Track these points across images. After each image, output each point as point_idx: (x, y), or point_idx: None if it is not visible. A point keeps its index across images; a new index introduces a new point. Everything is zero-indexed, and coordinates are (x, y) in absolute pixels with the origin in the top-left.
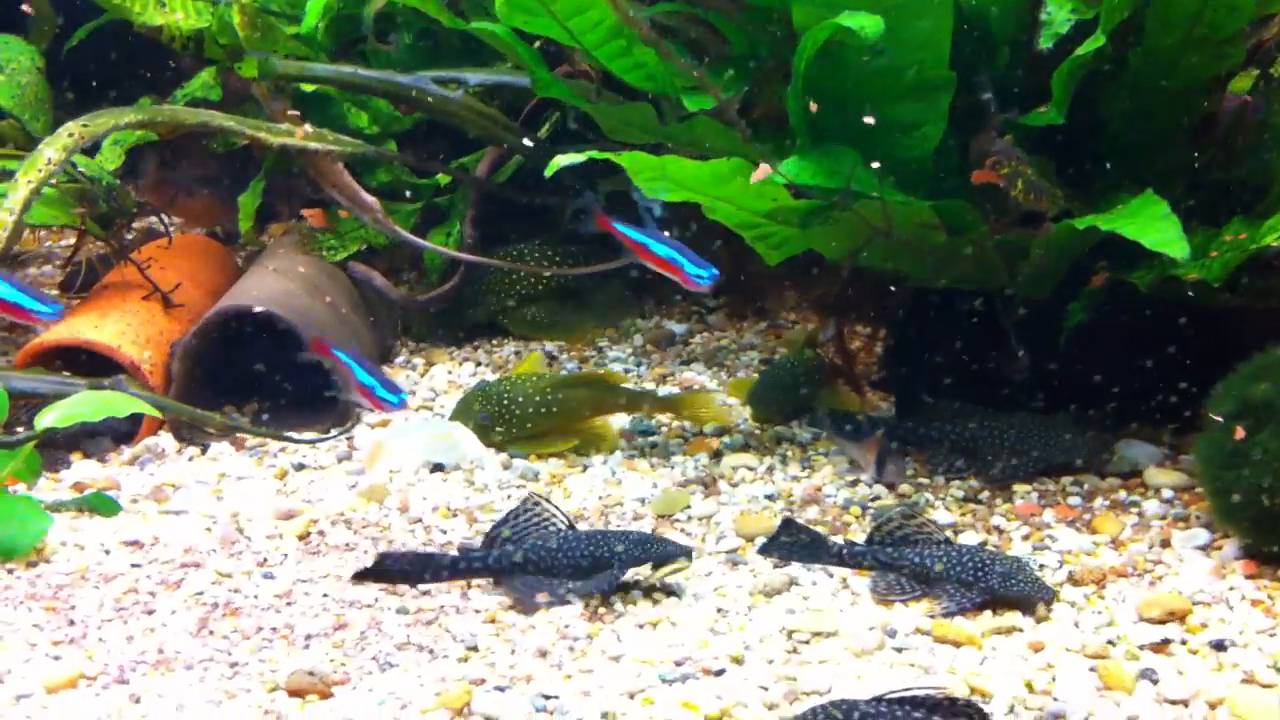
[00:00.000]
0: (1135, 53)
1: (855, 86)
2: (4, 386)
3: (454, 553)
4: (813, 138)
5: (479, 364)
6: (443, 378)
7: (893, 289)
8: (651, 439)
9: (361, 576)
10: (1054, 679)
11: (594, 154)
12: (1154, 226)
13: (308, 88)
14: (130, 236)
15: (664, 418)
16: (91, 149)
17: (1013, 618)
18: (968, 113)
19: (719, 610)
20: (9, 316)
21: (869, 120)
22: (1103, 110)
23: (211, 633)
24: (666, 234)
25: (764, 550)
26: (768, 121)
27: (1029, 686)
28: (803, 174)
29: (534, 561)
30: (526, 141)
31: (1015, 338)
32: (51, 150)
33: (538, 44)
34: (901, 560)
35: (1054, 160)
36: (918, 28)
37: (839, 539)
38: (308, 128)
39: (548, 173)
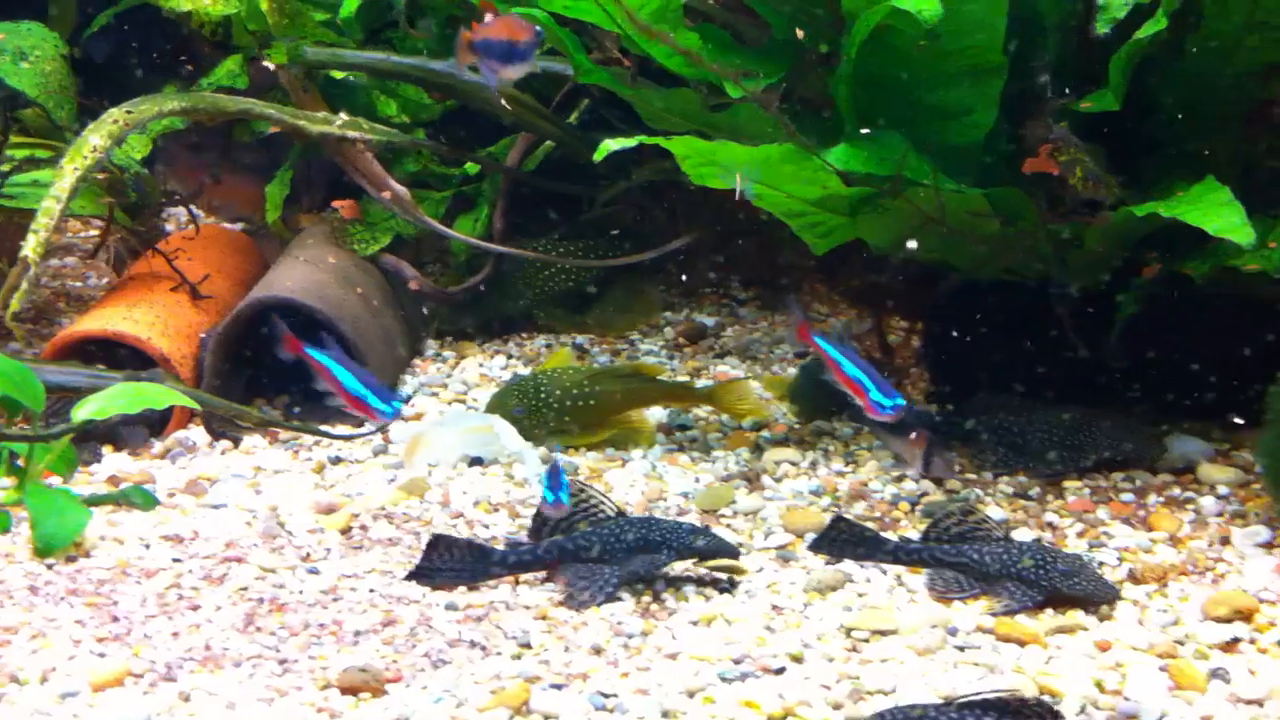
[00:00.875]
0: (1192, 37)
1: (904, 72)
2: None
3: (503, 547)
4: (860, 124)
5: (510, 356)
6: (474, 371)
7: (934, 280)
8: (690, 433)
9: (414, 576)
10: (1124, 678)
11: (644, 139)
12: (1216, 213)
13: (337, 75)
14: (144, 228)
15: (701, 411)
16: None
17: (1076, 616)
18: (1016, 98)
19: (774, 607)
20: (351, 408)
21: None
22: (1155, 96)
23: (258, 629)
24: (860, 355)
25: (814, 547)
26: (808, 107)
27: (1099, 686)
28: (853, 161)
29: (609, 552)
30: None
31: (1071, 329)
32: (96, 137)
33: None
34: (960, 558)
35: (1103, 147)
36: (970, 11)
37: (892, 536)
38: (344, 116)
39: (596, 157)
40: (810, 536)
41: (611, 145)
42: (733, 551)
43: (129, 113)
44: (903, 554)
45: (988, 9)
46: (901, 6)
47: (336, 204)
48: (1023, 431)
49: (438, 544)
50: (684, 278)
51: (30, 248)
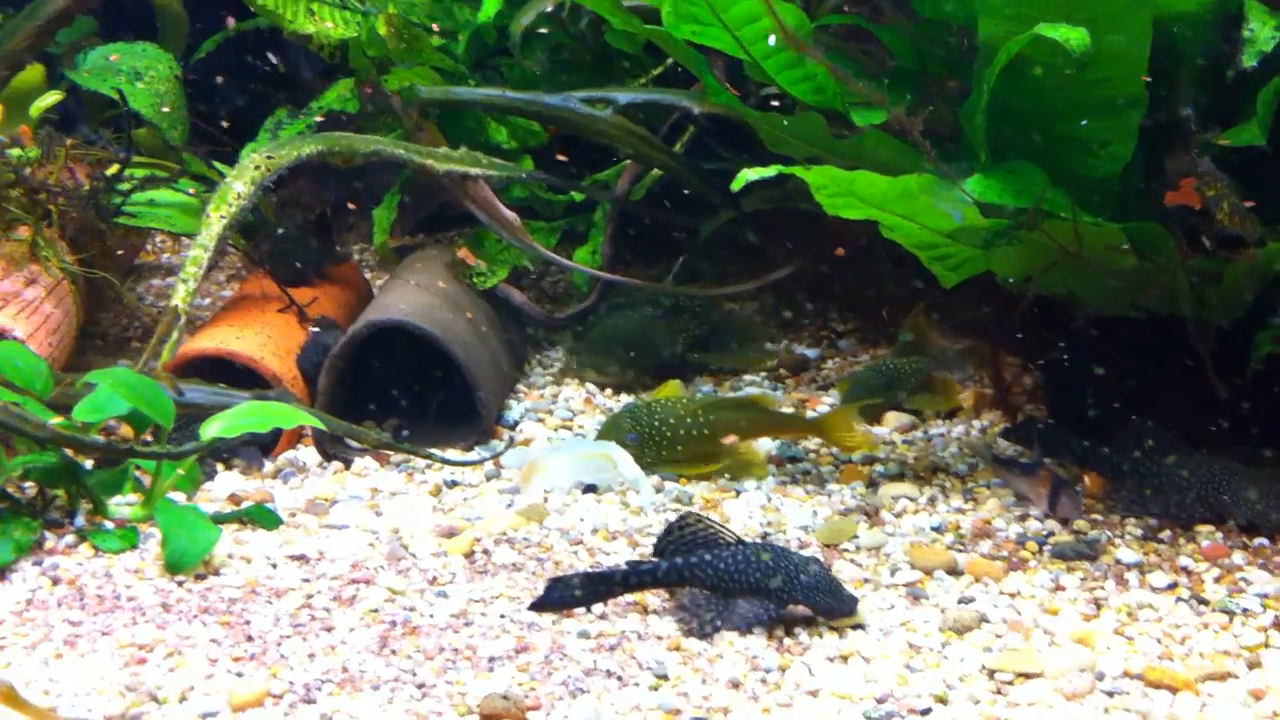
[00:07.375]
0: None
1: (1039, 102)
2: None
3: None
4: (994, 155)
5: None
6: (579, 397)
7: (1049, 315)
8: (802, 465)
9: (537, 607)
10: None
11: (781, 169)
12: None
13: None
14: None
15: (810, 444)
16: None
17: (1224, 663)
18: (1153, 130)
19: (910, 645)
20: None
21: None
22: None
23: (394, 652)
24: None
25: None
26: (930, 138)
27: None
28: (989, 192)
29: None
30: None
31: (1211, 368)
32: (239, 184)
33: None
34: None
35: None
36: (1112, 41)
37: None
38: (464, 150)
39: (735, 186)
40: (940, 574)
41: (750, 175)
42: (849, 609)
43: (269, 158)
44: None
45: (1131, 40)
46: (1048, 35)
47: (459, 254)
48: (1157, 473)
49: (556, 584)
50: (786, 313)
51: (180, 297)
